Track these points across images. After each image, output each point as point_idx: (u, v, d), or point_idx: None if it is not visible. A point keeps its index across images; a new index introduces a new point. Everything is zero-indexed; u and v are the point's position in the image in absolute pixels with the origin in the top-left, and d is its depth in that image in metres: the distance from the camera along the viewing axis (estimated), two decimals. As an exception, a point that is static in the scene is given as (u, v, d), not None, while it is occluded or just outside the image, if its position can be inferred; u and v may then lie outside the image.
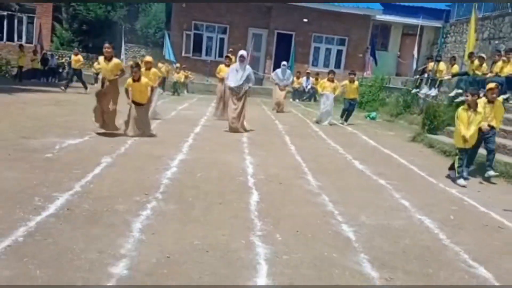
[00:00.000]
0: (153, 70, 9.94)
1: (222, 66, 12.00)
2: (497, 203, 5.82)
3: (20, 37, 25.28)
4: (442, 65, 14.32)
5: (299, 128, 11.66)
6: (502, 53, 11.46)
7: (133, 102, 8.18)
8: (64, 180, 5.19)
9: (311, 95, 20.79)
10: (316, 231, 4.38)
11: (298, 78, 20.88)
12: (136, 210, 4.48)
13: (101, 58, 8.16)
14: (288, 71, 16.04)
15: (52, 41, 25.06)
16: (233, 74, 9.91)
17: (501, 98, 8.13)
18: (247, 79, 9.92)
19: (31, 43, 24.73)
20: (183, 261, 3.48)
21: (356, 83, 13.25)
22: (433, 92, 13.74)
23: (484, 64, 11.78)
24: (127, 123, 8.10)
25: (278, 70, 15.73)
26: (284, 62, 15.96)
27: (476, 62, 11.96)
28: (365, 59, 22.62)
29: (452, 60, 13.62)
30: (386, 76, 18.58)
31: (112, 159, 6.41)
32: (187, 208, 4.72)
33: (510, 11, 17.85)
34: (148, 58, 10.24)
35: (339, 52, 23.31)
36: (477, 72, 11.79)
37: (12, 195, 4.54)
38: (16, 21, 25.08)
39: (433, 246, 4.25)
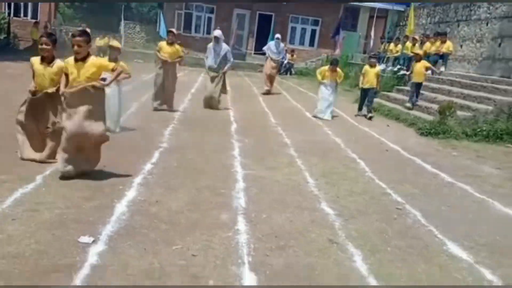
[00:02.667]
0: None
1: (163, 44, 9.26)
2: (392, 136, 9.13)
3: (25, 14, 27.76)
4: (391, 45, 17.56)
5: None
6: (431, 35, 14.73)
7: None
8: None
9: (287, 69, 23.91)
10: (269, 140, 7.65)
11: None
12: (163, 127, 7.69)
13: (35, 59, 5.07)
14: (282, 45, 15.20)
15: (55, 17, 27.65)
16: (210, 54, 10.12)
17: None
18: (225, 58, 10.15)
19: (36, 18, 27.26)
20: (195, 145, 6.71)
21: (378, 68, 11.33)
22: (382, 66, 16.98)
23: (417, 45, 15.02)
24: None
25: (272, 43, 14.64)
26: (278, 35, 15.08)
27: (409, 43, 15.26)
28: (335, 38, 25.70)
29: (397, 41, 16.87)
30: (349, 54, 21.75)
31: (139, 105, 9.55)
32: (192, 128, 7.94)
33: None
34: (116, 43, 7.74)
35: (313, 32, 26.43)
36: (412, 51, 15.07)
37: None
38: (22, -2, 27.45)
39: (332, 143, 7.55)
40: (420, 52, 11.48)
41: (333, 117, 10.50)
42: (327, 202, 4.78)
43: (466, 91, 10.76)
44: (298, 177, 5.61)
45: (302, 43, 26.41)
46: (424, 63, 11.33)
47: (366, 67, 11.20)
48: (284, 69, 24.06)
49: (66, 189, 4.33)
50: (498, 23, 16.99)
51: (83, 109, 4.51)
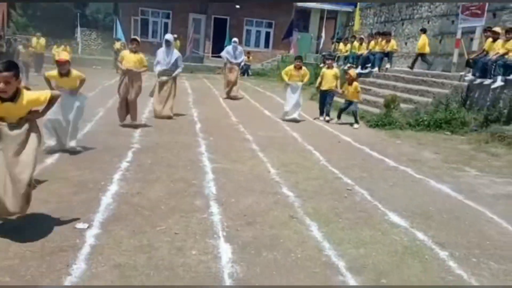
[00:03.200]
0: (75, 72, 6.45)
1: (126, 53, 8.72)
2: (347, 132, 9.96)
3: (-25, 23, 27.20)
4: (341, 45, 18.56)
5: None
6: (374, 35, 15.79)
7: None
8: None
9: (245, 71, 24.59)
10: (232, 137, 8.29)
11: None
12: (133, 129, 8.18)
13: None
14: (240, 48, 14.90)
15: (8, 26, 27.23)
16: (161, 58, 9.76)
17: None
18: (175, 64, 9.72)
19: (-14, 28, 26.75)
20: (165, 144, 7.25)
21: (336, 70, 11.06)
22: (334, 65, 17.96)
23: (363, 44, 16.04)
24: None
25: (229, 47, 14.65)
26: (235, 39, 15.03)
27: (356, 42, 16.28)
28: (289, 39, 26.64)
29: (346, 41, 17.88)
30: (303, 54, 22.63)
31: (105, 110, 9.96)
32: (160, 129, 8.47)
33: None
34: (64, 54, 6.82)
35: (268, 34, 27.29)
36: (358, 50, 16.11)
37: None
38: (-29, 7, 26.90)
39: (290, 138, 8.26)
40: (352, 74, 10.54)
41: (299, 121, 10.34)
42: (287, 187, 5.46)
43: (409, 86, 11.77)
44: (261, 168, 6.27)
45: (257, 45, 27.21)
46: (356, 86, 10.40)
47: (324, 70, 11.04)
48: (242, 70, 24.74)
49: (55, 186, 4.82)
50: (438, 21, 18.29)
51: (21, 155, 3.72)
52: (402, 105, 10.50)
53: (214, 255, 3.58)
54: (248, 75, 24.49)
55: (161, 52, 9.81)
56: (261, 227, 4.18)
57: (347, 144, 8.39)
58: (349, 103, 10.55)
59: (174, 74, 9.73)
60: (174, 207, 4.54)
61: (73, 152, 6.31)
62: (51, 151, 6.17)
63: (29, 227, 3.83)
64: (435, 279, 3.47)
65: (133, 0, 25.25)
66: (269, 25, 27.18)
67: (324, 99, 10.92)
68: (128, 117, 8.59)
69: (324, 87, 10.83)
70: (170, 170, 5.80)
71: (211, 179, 5.56)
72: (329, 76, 10.76)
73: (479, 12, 14.73)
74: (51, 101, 3.99)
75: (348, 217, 4.60)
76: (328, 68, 10.94)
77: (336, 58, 18.07)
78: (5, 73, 3.55)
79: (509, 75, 9.10)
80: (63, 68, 6.22)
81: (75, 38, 25.12)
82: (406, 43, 19.98)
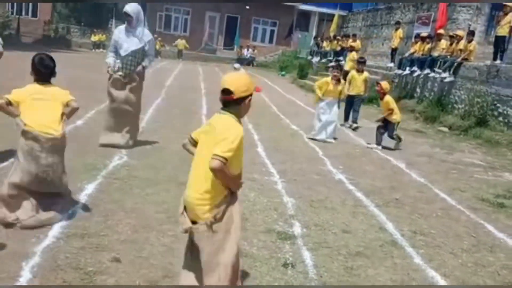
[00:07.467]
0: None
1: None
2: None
3: (27, 12, 32.31)
4: (325, 43, 23.07)
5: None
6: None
7: None
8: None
9: (250, 61, 29.26)
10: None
11: (241, 49, 29.31)
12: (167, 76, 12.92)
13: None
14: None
15: (53, 16, 32.28)
16: (121, 40, 6.05)
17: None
18: (143, 50, 6.13)
19: (35, 17, 31.84)
20: (186, 88, 11.96)
21: (366, 73, 10.35)
22: (316, 59, 22.48)
23: (340, 42, 20.54)
24: None
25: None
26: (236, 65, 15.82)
27: (334, 41, 20.85)
28: (291, 37, 31.21)
29: (328, 40, 22.40)
30: (299, 50, 27.20)
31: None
32: (182, 88, 13.15)
33: (382, 6, 26.69)
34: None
35: (272, 32, 31.88)
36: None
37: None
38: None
39: (266, 103, 12.92)
40: (384, 86, 8.45)
41: (335, 138, 8.60)
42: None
43: (357, 73, 16.28)
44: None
45: (263, 40, 31.84)
46: (388, 102, 8.32)
47: (353, 73, 10.27)
48: (247, 61, 29.42)
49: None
50: (406, 27, 22.70)
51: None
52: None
53: (200, 107, 8.28)
54: (253, 65, 29.11)
55: (120, 32, 6.18)
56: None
57: (299, 106, 12.99)
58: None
59: (138, 69, 6.17)
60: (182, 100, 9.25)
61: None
62: None
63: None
64: (296, 142, 8.07)
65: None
66: (274, 24, 31.73)
67: (351, 104, 10.21)
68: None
69: (352, 92, 10.04)
70: (184, 101, 10.50)
71: (203, 94, 10.27)
72: (359, 80, 10.13)
73: (427, 21, 19.30)
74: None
75: (269, 126, 9.27)
76: (357, 71, 10.23)
77: (320, 54, 22.63)
78: None
79: (413, 67, 13.56)
80: None
81: (109, 29, 29.92)
82: (383, 44, 24.40)
